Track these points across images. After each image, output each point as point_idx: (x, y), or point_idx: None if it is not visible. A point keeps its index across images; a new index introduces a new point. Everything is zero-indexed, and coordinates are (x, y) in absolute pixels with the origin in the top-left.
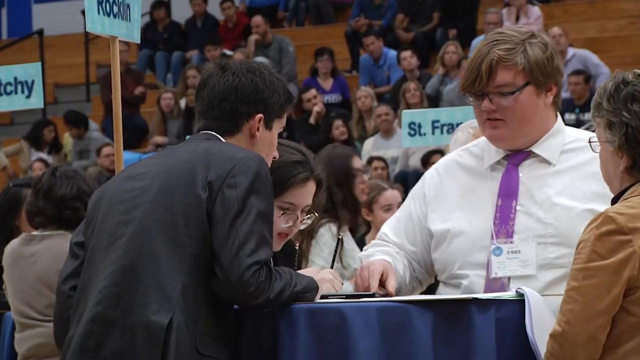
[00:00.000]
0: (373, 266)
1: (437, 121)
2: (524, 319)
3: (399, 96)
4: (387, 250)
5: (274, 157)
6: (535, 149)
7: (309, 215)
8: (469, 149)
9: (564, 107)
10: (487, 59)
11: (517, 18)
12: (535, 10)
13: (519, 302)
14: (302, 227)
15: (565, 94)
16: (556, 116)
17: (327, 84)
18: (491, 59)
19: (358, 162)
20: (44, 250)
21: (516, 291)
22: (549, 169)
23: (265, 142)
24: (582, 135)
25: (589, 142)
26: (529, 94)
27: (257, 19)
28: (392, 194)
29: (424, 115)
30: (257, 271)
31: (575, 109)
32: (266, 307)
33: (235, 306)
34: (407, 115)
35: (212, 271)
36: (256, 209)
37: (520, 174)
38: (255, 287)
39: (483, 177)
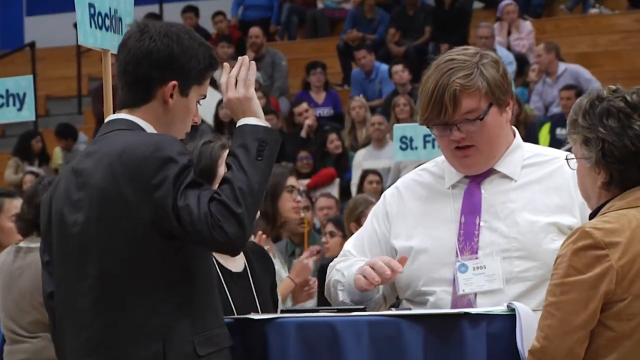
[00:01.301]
0: (375, 260)
1: (429, 135)
2: (515, 333)
3: (390, 110)
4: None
5: (195, 122)
6: (497, 166)
7: None
8: (427, 168)
9: (556, 122)
10: (450, 89)
11: (509, 33)
12: (527, 25)
13: (510, 316)
14: None
15: (556, 109)
16: (513, 132)
17: (320, 97)
18: (453, 88)
19: (293, 181)
20: (28, 266)
21: (507, 306)
22: (510, 185)
23: (181, 108)
24: (540, 150)
25: (566, 159)
26: (494, 114)
27: (255, 30)
28: None
29: (416, 130)
30: (214, 214)
31: (566, 124)
32: (251, 223)
33: (226, 319)
34: (398, 129)
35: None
36: (174, 177)
37: (483, 191)
38: (224, 221)
39: (445, 196)
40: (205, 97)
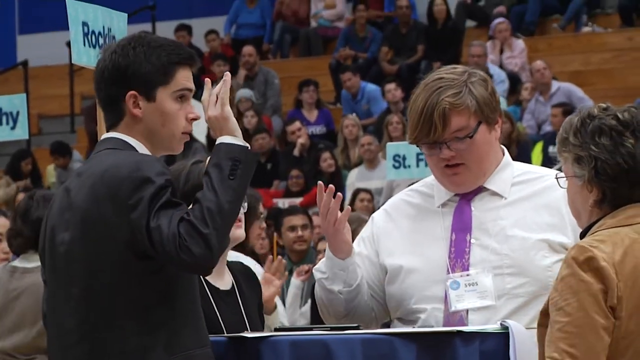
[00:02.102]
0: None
1: (422, 154)
2: (508, 351)
3: (383, 128)
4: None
5: (193, 118)
6: (487, 183)
7: None
8: (416, 189)
9: (549, 140)
10: (439, 108)
11: (501, 51)
12: (520, 43)
13: (503, 334)
14: None
15: (549, 127)
16: (502, 150)
17: (312, 115)
18: (443, 107)
19: (261, 208)
20: (26, 288)
21: (500, 324)
22: (500, 202)
23: (154, 114)
24: (530, 168)
25: (556, 177)
26: (483, 132)
27: (249, 49)
28: None
29: (409, 148)
30: (182, 234)
31: None
32: (221, 244)
33: (219, 337)
34: (391, 147)
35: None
36: (149, 197)
37: (473, 209)
38: (191, 242)
39: (434, 214)
40: (190, 90)
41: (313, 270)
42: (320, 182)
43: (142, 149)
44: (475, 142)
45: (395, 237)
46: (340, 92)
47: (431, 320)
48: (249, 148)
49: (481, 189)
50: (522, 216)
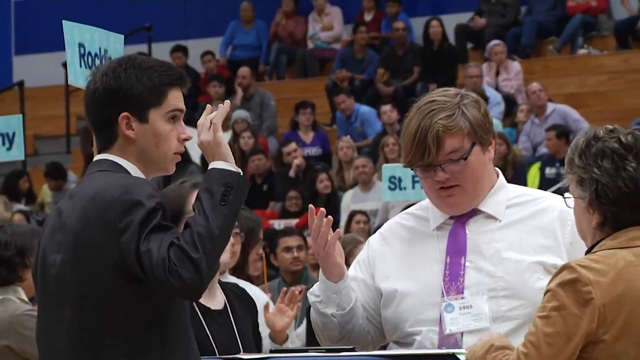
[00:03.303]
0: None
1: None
2: None
3: (379, 150)
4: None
5: (184, 139)
6: (481, 206)
7: None
8: (412, 212)
9: (545, 162)
10: (432, 131)
11: (497, 73)
12: (515, 66)
13: None
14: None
15: (545, 149)
16: (497, 172)
17: (308, 137)
18: (436, 130)
19: (260, 233)
20: None
21: None
22: (495, 224)
23: (146, 135)
24: (524, 191)
25: (563, 197)
26: (477, 154)
27: (244, 70)
28: None
29: (405, 170)
30: (172, 259)
31: (555, 163)
32: (211, 268)
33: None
34: (387, 169)
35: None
36: (139, 221)
37: (468, 232)
38: (180, 266)
39: (429, 237)
40: (181, 111)
41: (308, 294)
42: (311, 205)
43: (134, 170)
44: (470, 164)
45: (390, 260)
46: (336, 113)
47: (426, 342)
48: (241, 173)
49: (476, 212)
50: (517, 239)
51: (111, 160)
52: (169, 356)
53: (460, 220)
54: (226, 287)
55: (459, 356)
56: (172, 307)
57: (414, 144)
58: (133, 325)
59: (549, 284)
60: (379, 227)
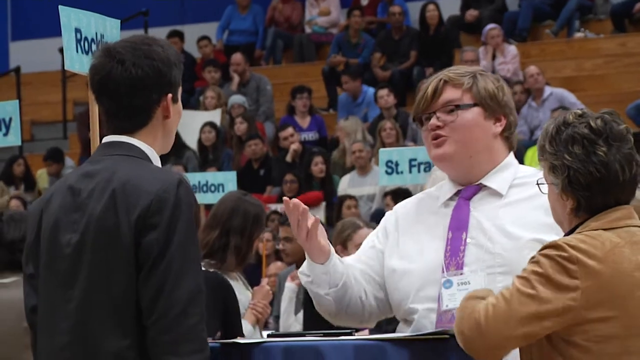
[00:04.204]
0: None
1: (414, 159)
2: None
3: (376, 134)
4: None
5: None
6: (485, 181)
7: None
8: (428, 192)
9: None
10: (435, 80)
11: (494, 57)
12: (512, 49)
13: None
14: None
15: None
16: (509, 152)
17: (305, 122)
18: (439, 79)
19: (264, 219)
20: (6, 304)
21: None
22: (499, 202)
23: (176, 114)
24: (534, 172)
25: (537, 184)
26: (476, 114)
27: (237, 57)
28: (366, 232)
29: (401, 154)
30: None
31: None
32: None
33: (212, 343)
34: (384, 153)
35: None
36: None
37: (471, 208)
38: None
39: (436, 214)
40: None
41: (299, 273)
42: (285, 198)
43: (153, 154)
44: (464, 119)
45: (400, 237)
46: (335, 97)
47: (425, 321)
48: None
49: (480, 188)
50: (520, 216)
51: (131, 144)
52: None
53: (464, 195)
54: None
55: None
56: None
57: (420, 95)
58: (140, 312)
59: (535, 254)
60: (377, 211)
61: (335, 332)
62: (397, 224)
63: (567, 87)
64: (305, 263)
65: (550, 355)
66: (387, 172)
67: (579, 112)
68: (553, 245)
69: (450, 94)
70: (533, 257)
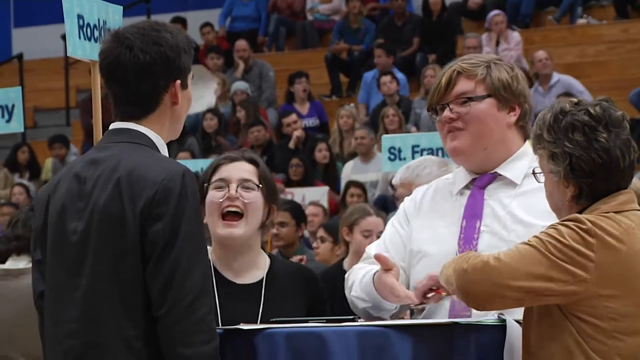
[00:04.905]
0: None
1: (417, 146)
2: (504, 344)
3: (379, 121)
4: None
5: None
6: (500, 170)
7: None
8: (446, 177)
9: None
10: (449, 71)
11: (497, 43)
12: (515, 36)
13: (500, 327)
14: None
15: None
16: (524, 142)
17: (304, 108)
18: (453, 69)
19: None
20: (23, 289)
21: (498, 316)
22: (514, 191)
23: (185, 100)
24: None
25: (533, 173)
26: (489, 105)
27: (242, 43)
28: (374, 220)
29: (404, 140)
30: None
31: None
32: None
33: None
34: (387, 139)
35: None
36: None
37: (486, 196)
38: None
39: (452, 201)
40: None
41: (352, 298)
42: (379, 255)
43: (159, 142)
44: (478, 110)
45: (416, 223)
46: (337, 84)
47: (437, 308)
48: None
49: (495, 177)
50: (534, 204)
51: (138, 131)
52: None
53: (479, 184)
54: (284, 266)
55: (462, 324)
56: None
57: (434, 86)
58: (147, 300)
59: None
60: (380, 198)
61: (338, 317)
62: (416, 209)
63: (570, 73)
64: (358, 286)
65: (561, 328)
66: (390, 159)
67: (575, 100)
68: (573, 219)
69: (463, 85)
70: (551, 225)
